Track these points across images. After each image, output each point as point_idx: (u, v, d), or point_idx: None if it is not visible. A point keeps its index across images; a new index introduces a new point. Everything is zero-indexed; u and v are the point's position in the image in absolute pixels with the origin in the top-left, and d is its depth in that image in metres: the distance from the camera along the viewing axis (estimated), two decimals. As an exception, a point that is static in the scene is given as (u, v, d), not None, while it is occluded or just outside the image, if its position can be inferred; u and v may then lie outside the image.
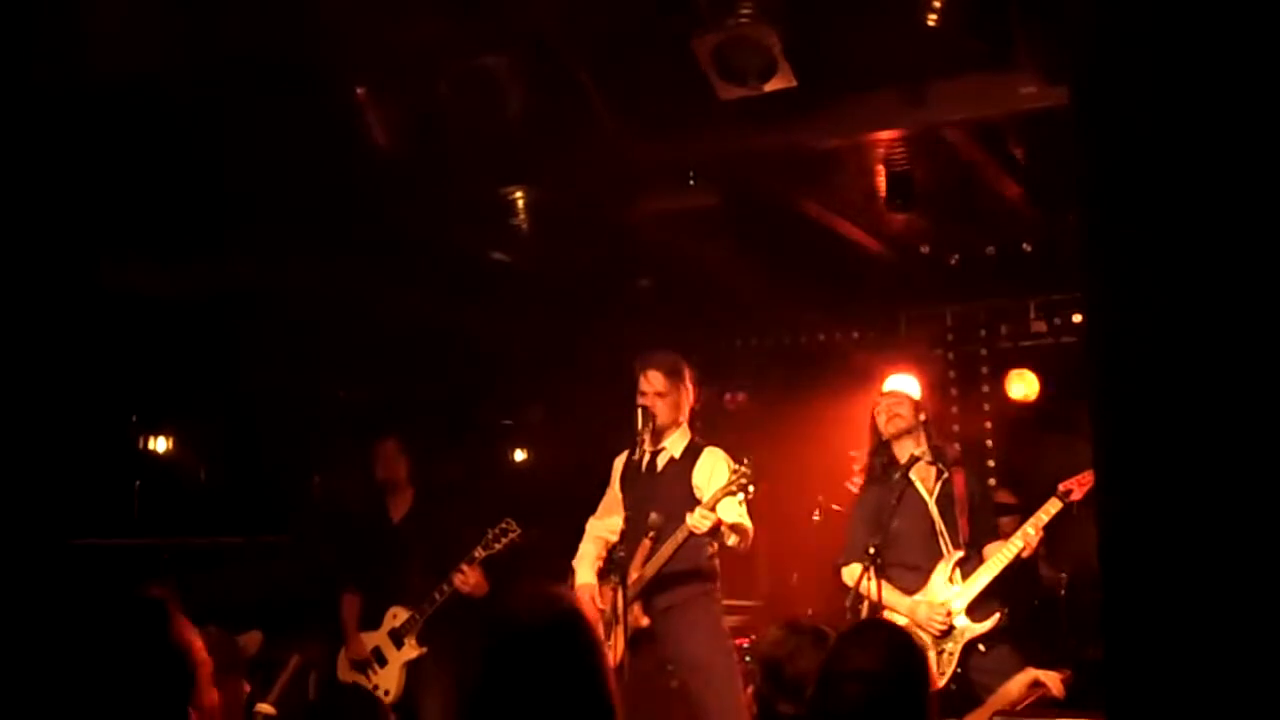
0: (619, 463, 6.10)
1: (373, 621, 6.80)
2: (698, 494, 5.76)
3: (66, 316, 6.65)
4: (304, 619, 7.04)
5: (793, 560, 8.56)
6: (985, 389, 9.06)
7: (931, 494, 5.90)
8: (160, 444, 8.62)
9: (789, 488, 8.68)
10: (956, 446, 6.25)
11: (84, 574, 6.75)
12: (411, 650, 6.68)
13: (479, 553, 6.51)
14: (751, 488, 5.63)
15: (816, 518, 8.18)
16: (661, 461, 5.95)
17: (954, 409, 9.12)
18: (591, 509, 6.32)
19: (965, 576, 5.78)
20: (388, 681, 6.72)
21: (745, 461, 5.67)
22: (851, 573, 5.85)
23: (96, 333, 6.91)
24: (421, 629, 6.65)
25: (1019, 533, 5.78)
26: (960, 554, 5.80)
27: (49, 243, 5.72)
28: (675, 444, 5.95)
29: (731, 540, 5.65)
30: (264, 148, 5.71)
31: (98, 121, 5.15)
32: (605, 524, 6.04)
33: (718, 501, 5.56)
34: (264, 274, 7.26)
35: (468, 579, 6.49)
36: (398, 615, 6.72)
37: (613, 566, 5.70)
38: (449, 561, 6.59)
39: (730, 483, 5.60)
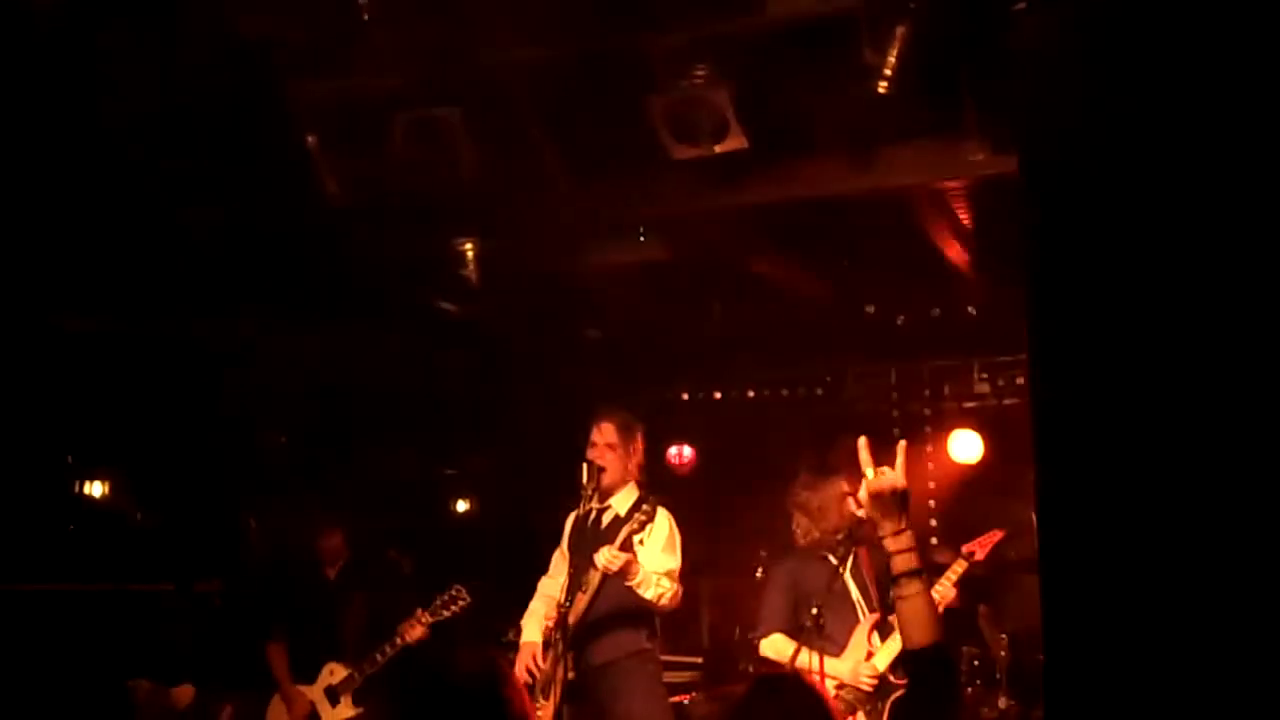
0: (569, 520, 6.02)
1: (308, 675, 6.66)
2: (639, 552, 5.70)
3: (7, 361, 6.57)
4: (236, 670, 6.92)
5: (734, 616, 8.53)
6: (929, 448, 9.10)
7: (844, 564, 5.91)
8: (96, 488, 8.47)
9: (731, 544, 8.68)
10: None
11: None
12: (347, 709, 6.55)
13: (425, 618, 6.40)
14: (655, 527, 5.64)
15: (759, 574, 8.16)
16: (606, 519, 5.85)
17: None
18: (533, 561, 6.26)
19: (884, 639, 5.79)
20: (320, 739, 6.60)
21: (649, 500, 5.67)
22: (772, 643, 5.86)
23: (33, 374, 6.83)
24: (359, 688, 6.54)
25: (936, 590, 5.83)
26: (876, 615, 5.82)
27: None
28: (621, 501, 5.85)
29: (650, 591, 5.56)
30: (211, 194, 5.68)
31: (43, 170, 5.11)
32: (555, 582, 5.95)
33: (625, 539, 5.51)
34: (206, 320, 7.19)
35: (412, 633, 6.40)
36: (335, 672, 6.60)
37: (556, 623, 5.64)
38: (388, 617, 6.50)
39: (633, 520, 5.58)
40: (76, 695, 6.80)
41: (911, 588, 3.01)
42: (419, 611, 6.41)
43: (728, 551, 8.70)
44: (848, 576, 5.88)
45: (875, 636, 5.80)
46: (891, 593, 3.11)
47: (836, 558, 5.88)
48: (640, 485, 5.96)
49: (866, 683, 5.69)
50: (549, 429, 8.31)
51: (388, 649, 6.43)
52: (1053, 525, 2.44)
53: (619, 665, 5.73)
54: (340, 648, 6.62)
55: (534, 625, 5.94)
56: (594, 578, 5.57)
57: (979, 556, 6.02)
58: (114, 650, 7.10)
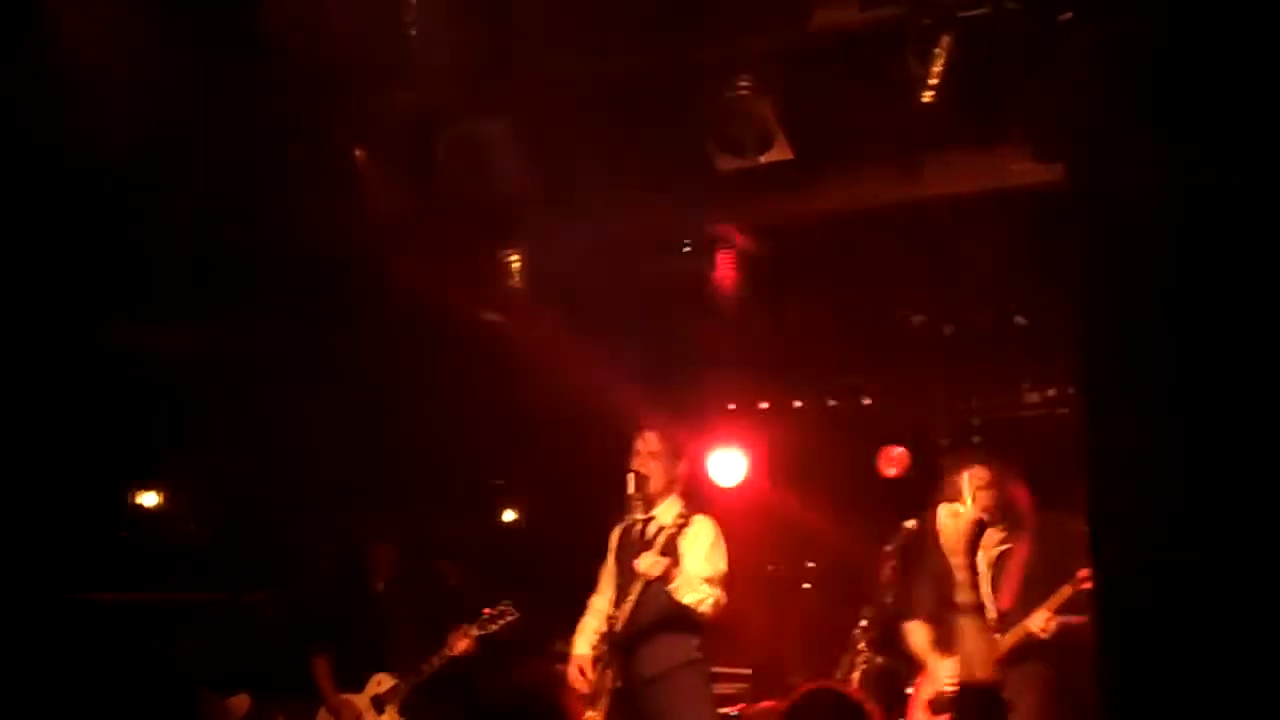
0: (615, 534, 6.02)
1: (355, 683, 6.71)
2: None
3: (61, 373, 6.66)
4: (288, 679, 6.98)
5: (785, 627, 8.50)
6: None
7: (989, 558, 5.81)
8: (149, 499, 8.57)
9: (780, 553, 8.66)
10: (1025, 510, 6.01)
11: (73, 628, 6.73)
12: (392, 719, 6.61)
13: (473, 631, 6.46)
14: (696, 533, 5.69)
15: (807, 586, 8.15)
16: (651, 530, 5.81)
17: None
18: (580, 571, 6.27)
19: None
20: (363, 748, 6.64)
21: (685, 504, 5.76)
22: (914, 630, 5.89)
23: (89, 388, 6.92)
24: (405, 699, 6.58)
25: (1037, 615, 5.73)
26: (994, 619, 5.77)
27: (46, 302, 5.74)
28: (666, 512, 5.83)
29: (689, 596, 5.55)
30: (261, 209, 5.75)
31: (93, 185, 5.19)
32: (604, 598, 5.95)
33: (666, 544, 5.57)
34: (257, 333, 7.26)
35: (459, 645, 6.46)
36: (382, 682, 6.64)
37: (605, 634, 5.70)
38: (435, 628, 6.54)
39: (672, 524, 5.66)
40: (130, 704, 6.88)
41: (971, 621, 3.08)
42: (465, 626, 6.45)
43: (776, 561, 8.67)
44: (984, 570, 5.78)
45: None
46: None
47: (983, 547, 5.82)
48: (684, 496, 5.94)
49: (948, 688, 5.65)
50: (597, 439, 8.33)
51: (435, 660, 6.48)
52: (1104, 537, 2.43)
53: (668, 676, 5.70)
54: (388, 658, 6.66)
55: (584, 640, 5.93)
56: (637, 585, 5.58)
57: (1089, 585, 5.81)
58: (168, 660, 7.18)
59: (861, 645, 6.23)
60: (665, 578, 5.50)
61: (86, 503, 7.53)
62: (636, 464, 5.82)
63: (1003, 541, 5.87)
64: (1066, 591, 5.71)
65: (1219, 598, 2.20)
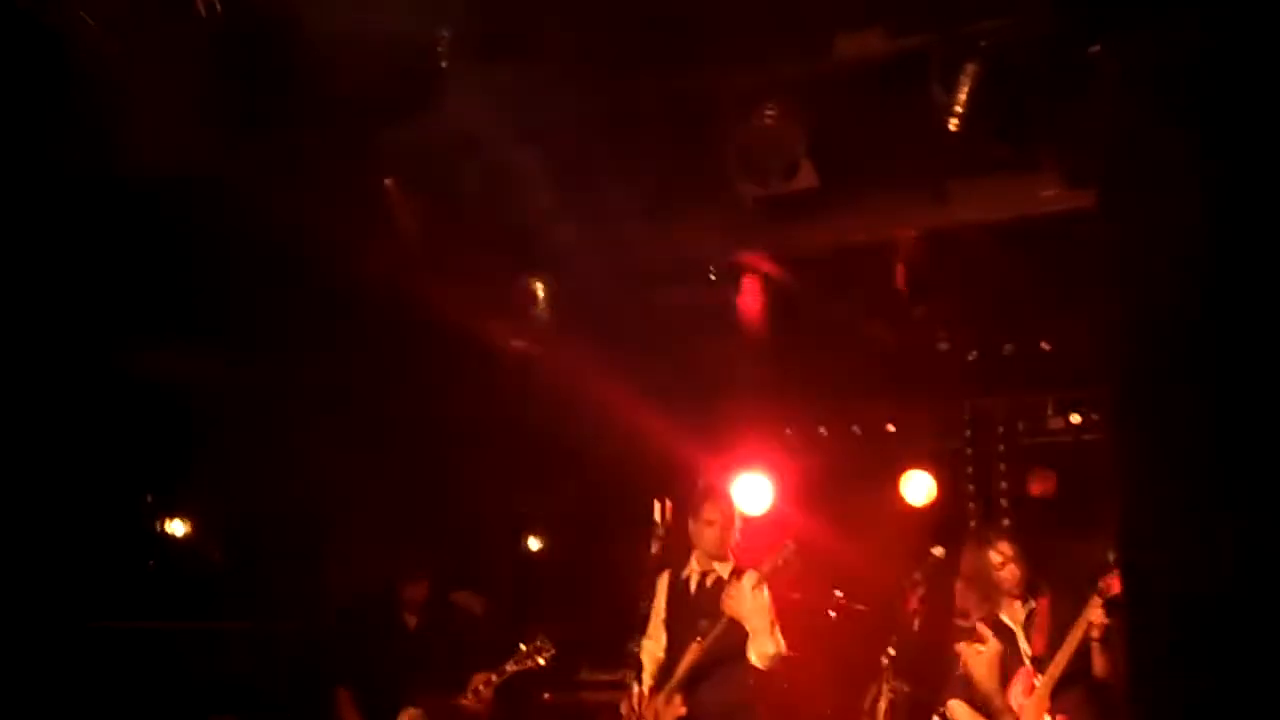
0: (662, 582, 6.38)
1: (381, 717, 6.68)
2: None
3: (90, 402, 6.71)
4: (312, 709, 6.96)
5: (809, 657, 8.45)
6: (1003, 485, 9.00)
7: (1019, 624, 5.89)
8: (177, 527, 8.59)
9: (808, 583, 8.60)
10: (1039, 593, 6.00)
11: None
12: None
13: (511, 666, 6.50)
14: (749, 584, 5.99)
15: (833, 615, 8.10)
16: (710, 581, 6.28)
17: (970, 505, 9.06)
18: (602, 599, 6.77)
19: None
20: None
21: (736, 560, 6.19)
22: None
23: (119, 417, 6.97)
24: None
25: (1090, 610, 5.65)
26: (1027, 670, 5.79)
27: (70, 329, 5.78)
28: (723, 568, 6.29)
29: (767, 645, 5.94)
30: (291, 239, 5.79)
31: (119, 213, 5.23)
32: (657, 641, 6.34)
33: (724, 596, 5.98)
34: (286, 363, 7.29)
35: (483, 696, 6.48)
36: (414, 717, 6.62)
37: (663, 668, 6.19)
38: (466, 660, 6.54)
39: (728, 578, 6.10)
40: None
41: None
42: (505, 663, 6.48)
43: (802, 590, 8.62)
44: (1020, 640, 5.88)
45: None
46: None
47: (1012, 619, 5.90)
48: (735, 554, 6.35)
49: None
50: (616, 468, 8.33)
51: (468, 699, 6.48)
52: (1135, 564, 2.42)
53: (735, 711, 6.06)
54: (417, 692, 6.64)
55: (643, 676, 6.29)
56: (715, 628, 5.97)
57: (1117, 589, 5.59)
58: (194, 688, 7.18)
59: (889, 675, 6.21)
60: (748, 621, 5.91)
61: (115, 531, 7.56)
62: (699, 528, 6.27)
63: (1026, 605, 5.88)
64: (1097, 602, 5.62)
65: (1247, 606, 2.20)
